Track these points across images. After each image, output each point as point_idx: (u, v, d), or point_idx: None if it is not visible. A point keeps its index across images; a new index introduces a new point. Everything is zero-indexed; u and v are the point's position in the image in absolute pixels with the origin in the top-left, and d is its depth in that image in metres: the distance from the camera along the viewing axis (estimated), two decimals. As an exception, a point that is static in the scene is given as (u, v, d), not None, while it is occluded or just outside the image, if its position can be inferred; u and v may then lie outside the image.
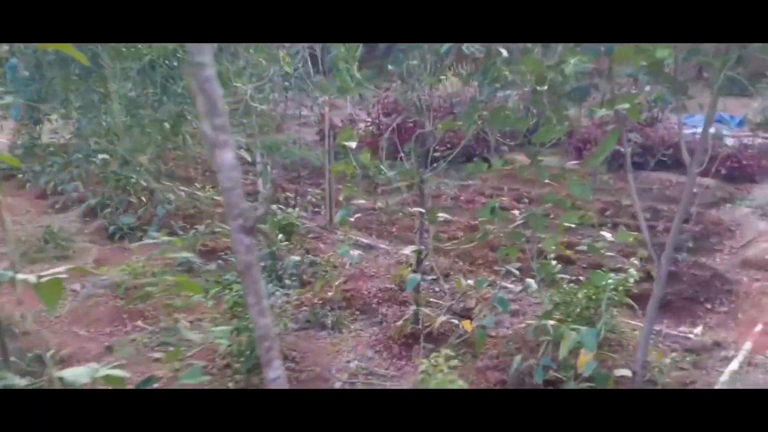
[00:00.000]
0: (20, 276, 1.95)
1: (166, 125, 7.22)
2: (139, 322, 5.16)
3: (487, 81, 3.82)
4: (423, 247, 4.74)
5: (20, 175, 9.14)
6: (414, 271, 4.78)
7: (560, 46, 3.55)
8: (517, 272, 4.55)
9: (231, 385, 4.00)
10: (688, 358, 4.38)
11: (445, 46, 3.99)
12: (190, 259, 6.21)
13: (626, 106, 3.23)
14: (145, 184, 7.64)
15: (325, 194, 7.73)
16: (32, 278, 1.88)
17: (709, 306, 5.14)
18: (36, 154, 9.59)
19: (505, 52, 3.81)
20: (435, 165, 4.58)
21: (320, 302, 5.16)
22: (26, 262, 5.98)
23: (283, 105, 14.18)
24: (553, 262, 4.62)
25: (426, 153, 4.58)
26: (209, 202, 7.62)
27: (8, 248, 3.15)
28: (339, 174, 5.89)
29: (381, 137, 9.90)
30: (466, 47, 4.04)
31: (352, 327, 4.98)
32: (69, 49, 1.63)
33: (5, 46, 9.86)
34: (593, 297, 4.29)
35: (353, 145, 4.44)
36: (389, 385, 4.21)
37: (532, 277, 4.39)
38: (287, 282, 5.39)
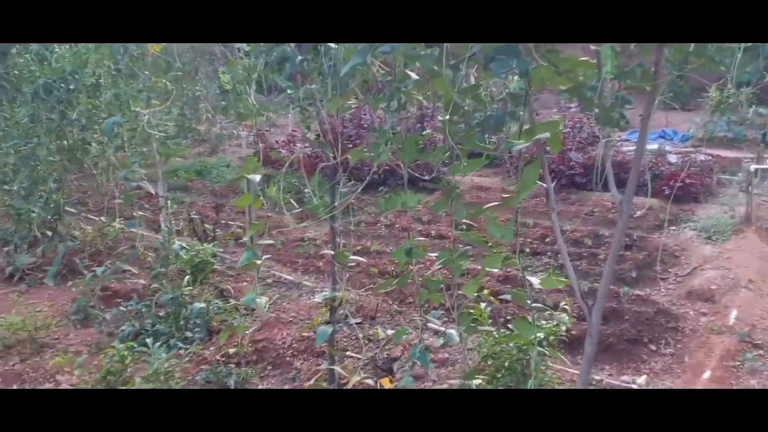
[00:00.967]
0: None
1: (66, 153, 6.56)
2: (15, 387, 4.48)
3: (393, 109, 3.32)
4: (336, 293, 4.20)
5: None
6: (327, 321, 4.23)
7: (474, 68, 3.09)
8: (437, 322, 4.04)
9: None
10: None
11: (346, 67, 3.47)
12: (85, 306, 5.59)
13: (546, 135, 2.73)
14: (50, 218, 6.93)
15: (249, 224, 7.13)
16: None
17: (653, 347, 4.72)
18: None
19: (414, 75, 3.31)
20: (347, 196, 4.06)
21: (224, 358, 4.56)
22: None
23: (220, 125, 13.54)
24: (483, 305, 4.19)
25: (334, 187, 4.06)
26: (119, 235, 6.92)
27: None
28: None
29: (318, 159, 9.37)
30: (377, 70, 3.55)
31: (261, 386, 4.39)
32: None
33: None
34: (524, 347, 3.83)
35: (257, 178, 3.90)
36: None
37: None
38: (188, 335, 4.76)
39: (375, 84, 3.57)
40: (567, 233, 7.02)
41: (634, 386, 4.22)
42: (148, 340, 4.07)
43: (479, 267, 3.16)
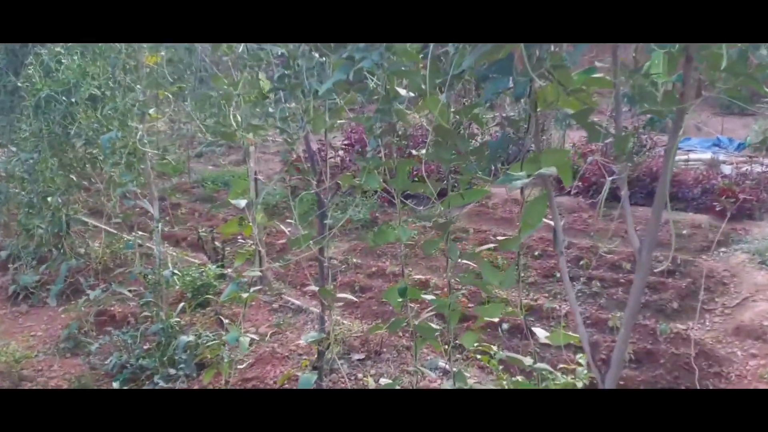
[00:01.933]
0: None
1: (69, 168, 6.32)
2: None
3: (377, 133, 2.87)
4: (323, 334, 3.76)
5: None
6: (315, 367, 3.81)
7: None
8: (432, 374, 3.57)
9: None
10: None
11: (325, 86, 3.02)
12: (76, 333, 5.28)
13: (552, 171, 2.21)
14: (56, 234, 6.72)
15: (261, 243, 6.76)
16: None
17: (691, 398, 4.11)
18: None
19: (403, 92, 2.84)
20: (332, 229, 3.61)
21: (206, 400, 4.16)
22: None
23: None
24: (494, 349, 3.74)
25: (322, 215, 3.63)
26: (124, 254, 6.64)
27: None
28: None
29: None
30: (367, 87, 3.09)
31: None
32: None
33: None
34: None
35: (242, 203, 3.51)
36: None
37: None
38: (172, 371, 4.38)
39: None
40: (603, 256, 6.39)
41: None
42: (115, 384, 3.71)
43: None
